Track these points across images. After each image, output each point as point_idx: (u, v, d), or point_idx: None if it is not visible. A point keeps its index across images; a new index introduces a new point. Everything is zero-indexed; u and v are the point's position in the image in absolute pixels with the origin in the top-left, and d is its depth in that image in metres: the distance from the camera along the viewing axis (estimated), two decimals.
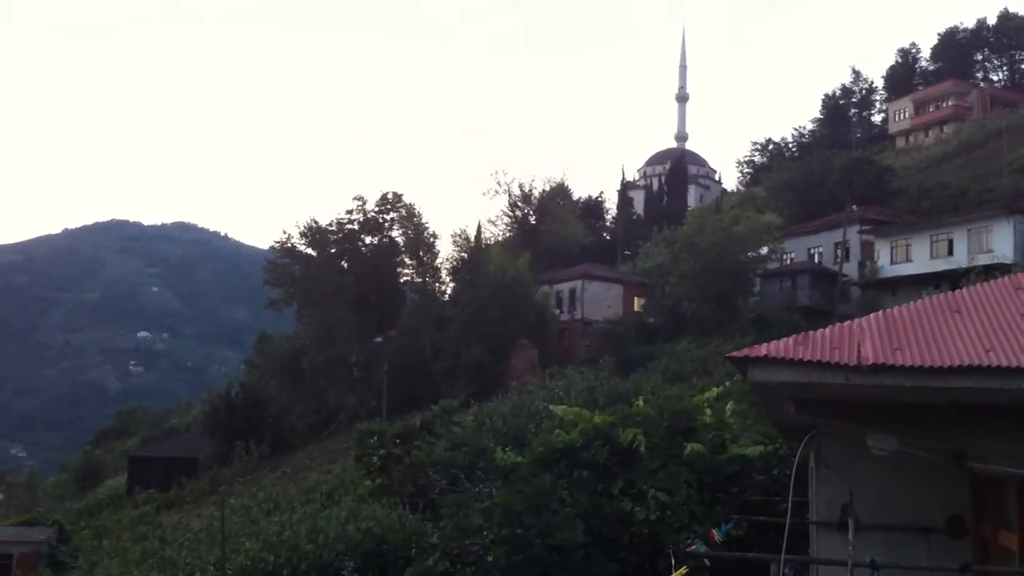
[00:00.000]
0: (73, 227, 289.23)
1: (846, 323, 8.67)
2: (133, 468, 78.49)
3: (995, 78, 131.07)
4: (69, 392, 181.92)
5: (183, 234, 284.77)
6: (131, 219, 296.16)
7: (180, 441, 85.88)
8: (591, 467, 20.77)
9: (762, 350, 8.19)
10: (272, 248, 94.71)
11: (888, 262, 64.62)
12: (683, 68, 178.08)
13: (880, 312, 8.88)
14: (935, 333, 8.24)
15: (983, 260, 56.59)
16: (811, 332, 8.49)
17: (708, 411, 22.90)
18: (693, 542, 15.58)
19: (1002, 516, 9.51)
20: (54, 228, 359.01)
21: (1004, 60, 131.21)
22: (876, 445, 8.95)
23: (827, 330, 8.49)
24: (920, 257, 62.33)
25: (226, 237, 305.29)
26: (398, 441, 27.41)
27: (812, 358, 7.91)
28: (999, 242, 57.48)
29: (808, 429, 10.04)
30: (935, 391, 7.67)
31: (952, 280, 57.33)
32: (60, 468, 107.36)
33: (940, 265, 60.06)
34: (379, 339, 78.30)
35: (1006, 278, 9.87)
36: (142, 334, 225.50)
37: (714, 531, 15.63)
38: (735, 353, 8.27)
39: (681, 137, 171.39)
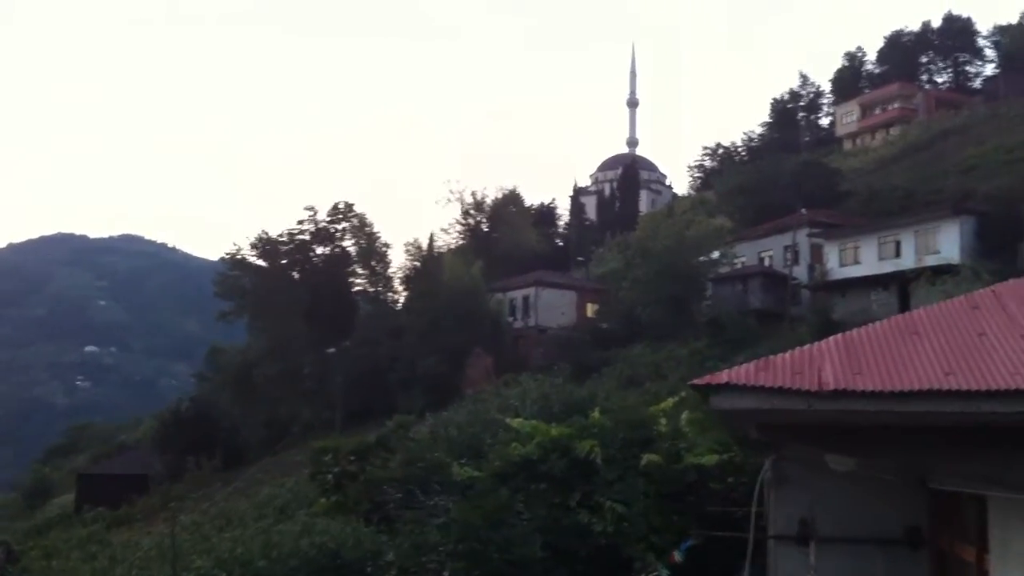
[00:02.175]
0: (18, 242, 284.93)
1: (806, 347, 8.64)
2: (82, 485, 77.22)
3: (940, 80, 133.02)
4: (16, 409, 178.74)
5: (130, 246, 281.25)
6: (77, 232, 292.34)
7: (130, 457, 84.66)
8: (549, 480, 20.66)
9: (723, 377, 8.13)
10: (223, 260, 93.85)
11: (837, 264, 65.21)
12: (633, 74, 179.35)
13: (840, 335, 8.86)
14: (894, 356, 8.22)
15: (931, 261, 57.29)
16: (772, 357, 8.44)
17: (664, 421, 22.88)
18: (655, 568, 15.53)
19: (960, 529, 9.52)
20: None
21: (948, 62, 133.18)
22: (835, 464, 8.94)
23: (788, 354, 8.45)
24: (869, 259, 62.95)
25: (175, 249, 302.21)
26: (353, 458, 27.12)
27: (774, 384, 7.87)
28: (946, 243, 58.20)
29: (768, 444, 10.00)
30: (895, 415, 7.66)
31: (900, 281, 58.09)
32: (8, 486, 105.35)
33: (888, 267, 60.68)
34: (332, 350, 77.73)
35: (962, 297, 9.89)
36: (90, 349, 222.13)
37: (675, 552, 15.61)
38: (697, 381, 8.21)
39: (632, 143, 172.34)
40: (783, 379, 7.91)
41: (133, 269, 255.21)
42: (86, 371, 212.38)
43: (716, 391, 8.12)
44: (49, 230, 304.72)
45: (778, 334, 58.09)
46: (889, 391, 7.61)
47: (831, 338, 8.82)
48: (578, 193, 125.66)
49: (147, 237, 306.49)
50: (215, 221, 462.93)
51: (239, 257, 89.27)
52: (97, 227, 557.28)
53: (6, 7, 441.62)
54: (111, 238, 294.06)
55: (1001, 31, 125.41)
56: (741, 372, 8.16)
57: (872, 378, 7.80)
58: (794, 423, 8.23)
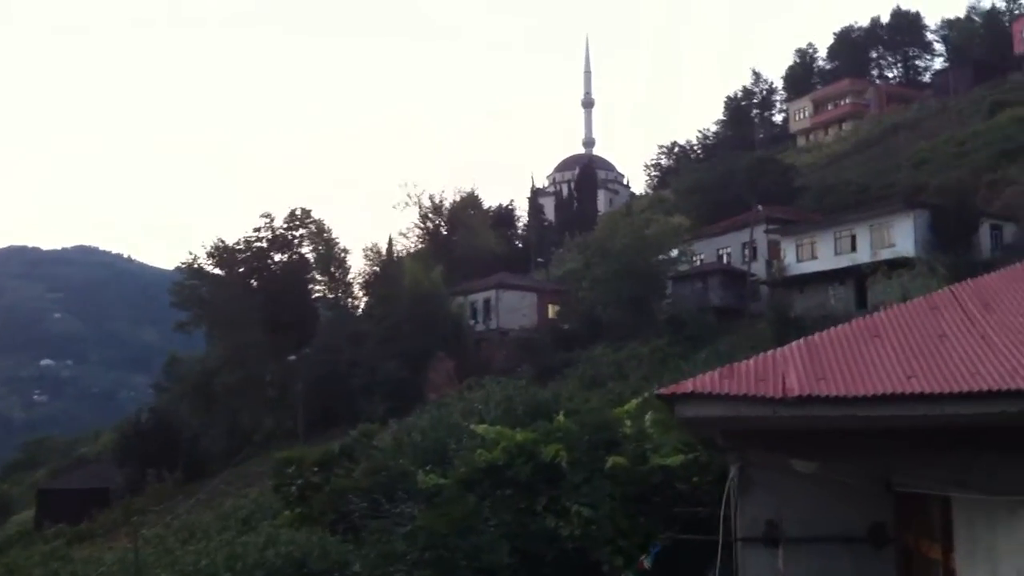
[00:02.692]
0: None
1: (769, 352, 8.68)
2: (42, 501, 76.12)
3: (890, 75, 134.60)
4: None
5: (85, 257, 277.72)
6: (29, 244, 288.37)
7: (90, 471, 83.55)
8: (514, 485, 20.63)
9: (688, 386, 8.15)
10: (179, 269, 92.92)
11: (795, 260, 65.78)
12: (587, 74, 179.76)
13: (802, 340, 8.91)
14: (857, 360, 8.28)
15: (886, 255, 57.93)
16: (736, 364, 8.48)
17: (628, 423, 22.93)
18: (623, 573, 15.57)
19: (925, 527, 9.61)
20: None
21: (898, 57, 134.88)
22: (800, 468, 8.99)
23: (751, 361, 8.48)
24: (825, 254, 63.54)
25: (130, 259, 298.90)
26: (316, 469, 26.94)
27: (738, 392, 7.90)
28: (900, 237, 58.88)
29: (732, 449, 10.04)
30: (859, 419, 7.71)
31: (857, 276, 58.70)
32: None
33: (844, 261, 61.29)
34: (293, 357, 77.25)
35: (921, 298, 9.99)
36: (46, 362, 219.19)
37: (643, 559, 15.65)
38: (662, 390, 8.23)
39: (588, 143, 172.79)
40: (747, 386, 7.94)
41: (88, 280, 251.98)
42: (43, 385, 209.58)
43: (681, 400, 8.14)
44: (0, 243, 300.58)
45: (738, 331, 58.57)
46: (852, 396, 7.67)
47: (794, 343, 8.86)
48: (536, 194, 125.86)
49: (102, 248, 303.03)
50: (171, 231, 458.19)
51: (196, 266, 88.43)
52: (50, 239, 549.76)
53: None
54: (65, 249, 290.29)
55: (949, 25, 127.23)
56: (706, 380, 8.18)
57: (835, 383, 7.85)
58: (759, 429, 8.27)
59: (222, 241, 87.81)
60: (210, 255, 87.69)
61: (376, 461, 26.10)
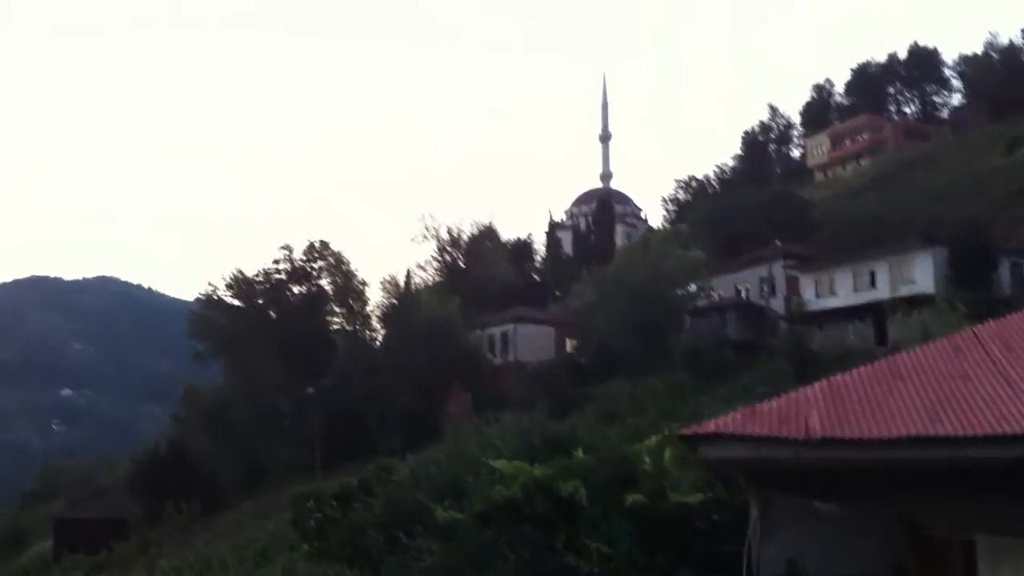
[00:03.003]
0: None
1: (792, 393, 8.70)
2: (59, 531, 76.28)
3: (908, 111, 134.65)
4: None
5: (105, 288, 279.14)
6: (51, 275, 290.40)
7: (107, 501, 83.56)
8: (532, 521, 20.58)
9: (711, 427, 8.18)
10: (197, 300, 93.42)
11: (813, 296, 65.63)
12: (605, 108, 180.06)
13: (825, 381, 8.92)
14: (880, 402, 8.28)
15: (905, 291, 57.80)
16: (758, 405, 8.50)
17: (647, 459, 22.86)
18: None
19: (947, 568, 9.56)
20: None
21: (916, 93, 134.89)
22: (822, 509, 8.97)
23: (774, 402, 8.50)
24: (844, 290, 63.41)
25: (150, 290, 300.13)
26: (334, 503, 26.95)
27: (761, 433, 7.91)
28: (920, 273, 58.75)
29: (754, 490, 10.02)
30: (883, 462, 7.71)
31: (876, 312, 58.48)
32: None
33: (864, 297, 61.14)
34: (310, 389, 77.33)
35: (944, 340, 10.00)
36: (65, 391, 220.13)
37: None
38: (685, 431, 8.26)
39: (606, 176, 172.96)
40: (770, 427, 7.95)
41: (108, 310, 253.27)
42: (61, 414, 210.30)
43: (704, 441, 8.16)
44: (23, 273, 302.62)
45: (756, 366, 58.36)
46: (876, 438, 7.67)
47: (816, 384, 8.87)
48: (554, 228, 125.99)
49: (123, 278, 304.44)
50: (191, 261, 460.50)
51: (215, 297, 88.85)
52: (72, 269, 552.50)
53: None
54: (86, 280, 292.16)
55: (966, 61, 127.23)
56: (728, 421, 8.20)
57: (859, 425, 7.86)
58: (782, 470, 8.27)
59: (241, 272, 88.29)
60: (229, 286, 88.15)
61: (394, 495, 26.09)
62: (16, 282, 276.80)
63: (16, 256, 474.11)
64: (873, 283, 61.68)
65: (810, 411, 8.11)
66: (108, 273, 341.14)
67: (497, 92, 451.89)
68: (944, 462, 7.66)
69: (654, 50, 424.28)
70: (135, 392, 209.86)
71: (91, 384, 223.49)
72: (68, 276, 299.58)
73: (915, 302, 54.41)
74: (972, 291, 51.94)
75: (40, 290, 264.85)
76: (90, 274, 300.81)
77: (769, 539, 10.06)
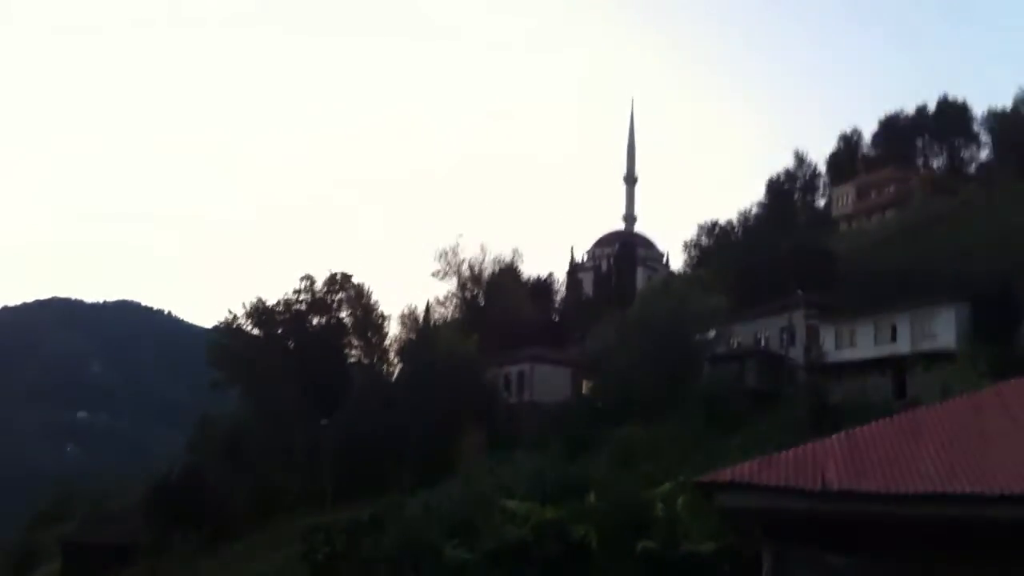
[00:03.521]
0: (13, 304, 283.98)
1: (809, 444, 8.61)
2: (68, 555, 76.21)
3: (935, 164, 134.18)
4: (4, 473, 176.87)
5: (125, 312, 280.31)
6: (72, 296, 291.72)
7: (117, 526, 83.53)
8: (542, 564, 20.47)
9: (727, 475, 8.08)
10: (216, 328, 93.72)
11: (833, 347, 65.24)
12: (631, 150, 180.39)
13: (843, 433, 8.83)
14: (898, 457, 8.18)
15: (926, 346, 57.41)
16: (775, 455, 8.41)
17: (660, 506, 22.73)
18: None
19: None
20: None
21: (943, 146, 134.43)
22: (836, 563, 8.84)
23: (791, 452, 8.42)
24: (864, 343, 63.01)
25: (170, 315, 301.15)
26: (345, 536, 26.84)
27: (777, 483, 7.82)
28: (942, 328, 58.36)
29: (768, 541, 9.89)
30: (899, 517, 7.61)
31: (896, 367, 58.09)
32: None
33: (884, 351, 60.75)
34: (325, 421, 77.28)
35: (965, 397, 9.89)
36: (81, 414, 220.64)
37: None
38: (702, 479, 8.17)
39: (629, 219, 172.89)
40: (787, 478, 7.86)
41: (127, 334, 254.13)
42: (77, 436, 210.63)
43: (720, 489, 8.07)
44: (45, 294, 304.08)
45: (774, 416, 57.97)
46: (893, 493, 7.57)
47: (834, 436, 8.78)
48: (575, 268, 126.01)
49: (144, 303, 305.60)
50: (212, 288, 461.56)
51: (235, 326, 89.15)
52: (93, 292, 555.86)
53: None
54: (106, 303, 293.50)
55: (995, 116, 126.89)
56: (745, 470, 8.10)
57: (876, 479, 7.76)
58: (797, 521, 8.16)
59: (262, 302, 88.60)
60: (249, 315, 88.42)
61: (404, 531, 26.00)
62: (38, 302, 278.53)
63: (38, 277, 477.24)
64: (894, 337, 61.30)
65: (827, 462, 8.02)
66: (129, 297, 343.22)
67: (524, 124, 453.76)
68: (960, 520, 7.55)
69: (680, 91, 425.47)
70: (151, 417, 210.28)
71: (108, 407, 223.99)
72: (89, 299, 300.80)
73: (936, 357, 54.06)
74: (995, 348, 51.52)
75: (61, 311, 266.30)
76: (111, 297, 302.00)
77: None
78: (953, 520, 7.57)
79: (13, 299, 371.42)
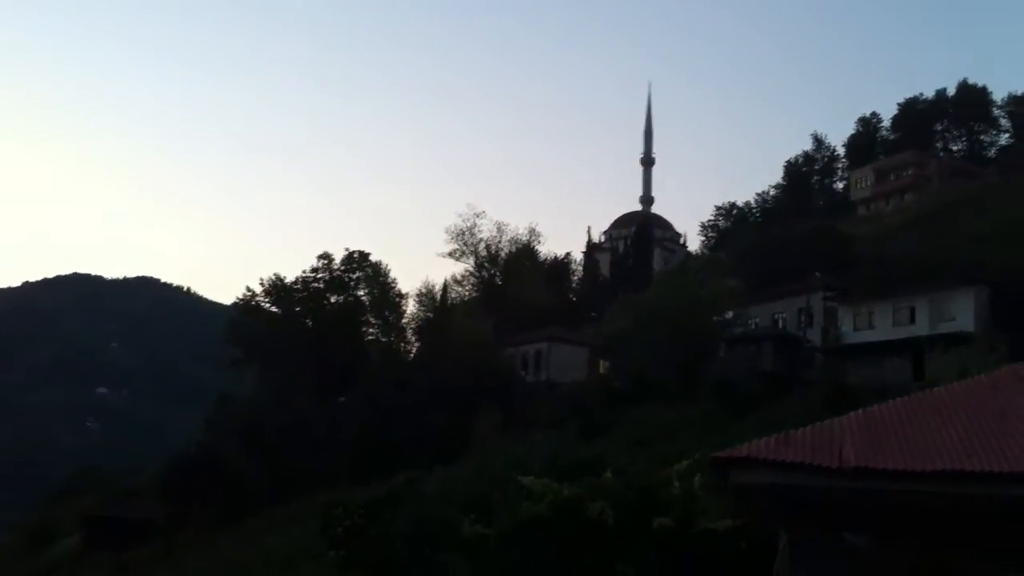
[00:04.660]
0: (33, 280, 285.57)
1: (827, 422, 8.67)
2: (89, 529, 76.97)
3: (954, 148, 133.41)
4: (24, 450, 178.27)
5: (145, 289, 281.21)
6: (92, 272, 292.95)
7: (138, 502, 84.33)
8: (559, 541, 20.55)
9: (744, 451, 8.16)
10: (235, 305, 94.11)
11: (851, 329, 65.03)
12: (648, 132, 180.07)
13: (861, 411, 8.88)
14: (915, 435, 8.24)
15: (944, 329, 57.17)
16: (792, 431, 8.48)
17: (677, 484, 22.75)
18: None
19: None
20: (13, 281, 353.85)
21: (963, 131, 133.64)
22: (852, 540, 8.90)
23: (808, 429, 8.49)
24: (883, 325, 62.78)
25: (189, 292, 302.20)
26: (363, 512, 27.06)
27: (794, 460, 7.89)
28: (960, 312, 58.11)
29: (784, 518, 9.97)
30: (916, 495, 7.67)
31: (914, 349, 57.86)
32: (12, 528, 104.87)
33: (902, 333, 60.48)
34: (342, 399, 77.63)
35: (983, 376, 9.93)
36: (101, 391, 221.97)
37: None
38: (718, 454, 8.25)
39: (647, 200, 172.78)
40: (804, 455, 7.92)
41: (147, 312, 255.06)
42: (96, 413, 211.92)
43: (736, 465, 8.14)
44: (65, 270, 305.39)
45: (789, 398, 57.94)
46: (910, 471, 7.64)
47: (851, 414, 8.83)
48: (592, 249, 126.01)
49: (163, 280, 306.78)
50: (231, 264, 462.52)
51: (253, 303, 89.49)
52: (113, 268, 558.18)
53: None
54: (126, 280, 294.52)
55: (1015, 101, 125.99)
56: (761, 446, 8.17)
57: (893, 457, 7.82)
58: (813, 499, 8.23)
59: (280, 279, 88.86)
60: (267, 292, 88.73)
61: (422, 508, 26.17)
62: (58, 278, 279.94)
63: (57, 253, 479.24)
64: (912, 319, 61.05)
65: (844, 440, 8.09)
66: (149, 273, 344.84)
67: (543, 106, 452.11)
68: (977, 498, 7.61)
69: (698, 74, 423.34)
70: (170, 395, 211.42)
71: (127, 384, 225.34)
72: (109, 275, 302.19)
73: (954, 340, 53.84)
74: (1014, 332, 51.30)
75: (80, 288, 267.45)
76: (131, 274, 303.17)
77: (797, 571, 10.00)
78: (971, 498, 7.63)
79: (34, 275, 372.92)
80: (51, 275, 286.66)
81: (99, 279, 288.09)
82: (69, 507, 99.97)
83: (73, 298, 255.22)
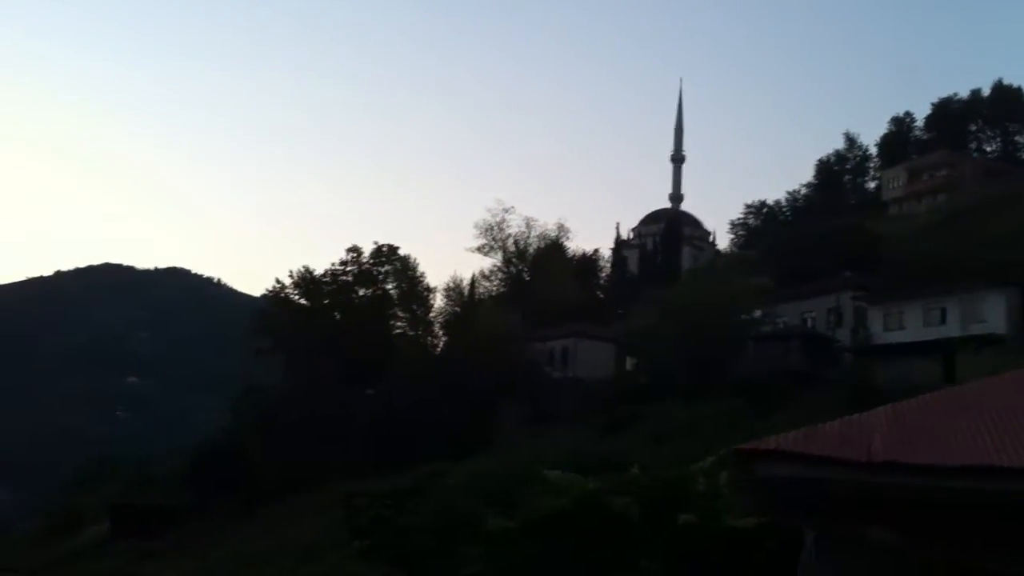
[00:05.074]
0: (65, 270, 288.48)
1: (855, 416, 8.55)
2: (115, 516, 77.63)
3: (988, 149, 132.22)
4: (51, 436, 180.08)
5: (175, 280, 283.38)
6: (124, 263, 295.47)
7: (163, 490, 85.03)
8: (582, 534, 20.49)
9: (771, 443, 8.04)
10: (264, 296, 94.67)
11: (881, 329, 64.65)
12: (679, 129, 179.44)
13: (890, 406, 8.75)
14: (944, 430, 8.10)
15: (976, 330, 56.71)
16: (819, 425, 8.36)
17: (702, 480, 22.64)
18: None
19: None
20: (46, 270, 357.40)
21: (997, 131, 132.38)
22: (879, 537, 8.77)
23: (836, 423, 8.36)
24: (913, 325, 62.37)
25: (219, 283, 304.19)
26: (387, 503, 27.14)
27: (821, 453, 7.77)
28: (992, 313, 57.67)
29: (809, 514, 9.83)
30: (946, 490, 7.53)
31: (945, 350, 57.38)
32: (40, 513, 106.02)
33: (932, 334, 60.06)
34: (368, 391, 77.94)
35: (1014, 372, 9.77)
36: (130, 379, 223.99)
37: None
38: (743, 446, 8.14)
39: (676, 198, 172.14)
40: (831, 448, 7.80)
41: (177, 302, 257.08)
42: (125, 401, 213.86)
43: (762, 458, 8.03)
44: (97, 259, 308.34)
45: (817, 397, 57.60)
46: (940, 465, 7.50)
47: (880, 408, 8.70)
48: (620, 246, 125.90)
49: (193, 271, 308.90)
50: (261, 256, 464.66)
51: (282, 295, 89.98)
52: (144, 259, 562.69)
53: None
54: (157, 270, 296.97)
55: None
56: (788, 439, 8.05)
57: (922, 451, 7.68)
58: (841, 494, 8.12)
59: (309, 272, 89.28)
60: (296, 284, 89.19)
61: (446, 500, 26.21)
62: (90, 268, 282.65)
63: (90, 242, 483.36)
64: (943, 320, 60.63)
65: (873, 434, 7.95)
66: (180, 264, 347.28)
67: (574, 102, 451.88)
68: (1008, 495, 7.47)
69: (730, 72, 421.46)
70: (198, 385, 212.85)
71: (155, 373, 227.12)
72: (140, 265, 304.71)
73: (985, 342, 53.39)
74: None
75: (111, 278, 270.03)
76: (162, 264, 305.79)
77: (823, 570, 9.87)
78: (1002, 494, 7.49)
79: (66, 264, 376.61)
80: (83, 264, 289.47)
81: (130, 269, 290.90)
82: (93, 494, 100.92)
83: (104, 288, 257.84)
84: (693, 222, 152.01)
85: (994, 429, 7.90)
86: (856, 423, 8.23)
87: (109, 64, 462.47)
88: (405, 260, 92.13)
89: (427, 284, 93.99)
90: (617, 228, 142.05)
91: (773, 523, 18.77)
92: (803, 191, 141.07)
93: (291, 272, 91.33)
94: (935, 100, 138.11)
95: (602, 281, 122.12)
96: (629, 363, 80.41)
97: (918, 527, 8.03)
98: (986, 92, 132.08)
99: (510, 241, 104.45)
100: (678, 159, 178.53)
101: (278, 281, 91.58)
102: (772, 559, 17.98)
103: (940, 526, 8.04)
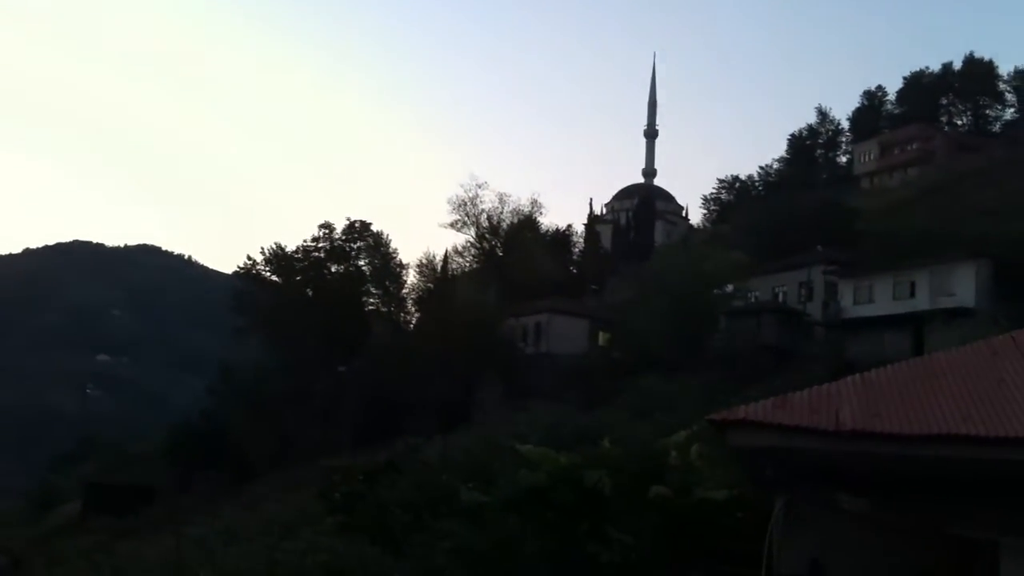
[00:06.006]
0: (34, 247, 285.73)
1: (824, 385, 8.67)
2: (90, 495, 77.37)
3: (960, 123, 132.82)
4: (26, 416, 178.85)
5: (147, 257, 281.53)
6: (94, 240, 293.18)
7: (138, 468, 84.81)
8: (557, 509, 20.60)
9: (741, 413, 8.18)
10: (236, 274, 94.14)
11: (851, 303, 65.03)
12: (652, 104, 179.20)
13: (859, 375, 8.88)
14: (912, 399, 8.25)
15: (945, 303, 57.12)
16: (789, 394, 8.49)
17: (675, 453, 22.80)
18: None
19: (972, 572, 9.49)
20: (15, 248, 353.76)
21: (968, 105, 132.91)
22: (848, 504, 8.92)
23: (805, 392, 8.50)
24: (883, 299, 62.76)
25: (191, 261, 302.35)
26: (362, 478, 27.15)
27: (791, 422, 7.90)
28: (961, 286, 58.06)
29: (781, 482, 9.99)
30: (912, 458, 7.68)
31: (915, 323, 57.84)
32: (15, 493, 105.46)
33: (902, 307, 60.46)
34: (343, 369, 77.84)
35: (981, 342, 9.92)
36: (102, 357, 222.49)
37: None
38: (714, 416, 8.26)
39: (649, 173, 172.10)
40: (800, 418, 7.93)
41: (149, 280, 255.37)
42: (98, 380, 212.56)
43: (733, 427, 8.15)
44: (66, 237, 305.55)
45: (790, 371, 57.99)
46: (907, 434, 7.64)
47: (849, 378, 8.84)
48: (593, 221, 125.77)
49: (164, 248, 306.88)
50: (234, 233, 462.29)
51: (254, 272, 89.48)
52: (114, 236, 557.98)
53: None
54: (128, 248, 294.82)
55: (1022, 76, 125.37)
56: (758, 409, 8.18)
57: (890, 420, 7.82)
58: (810, 462, 8.25)
59: (281, 248, 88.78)
60: (268, 261, 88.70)
61: (421, 475, 26.24)
62: (59, 246, 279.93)
63: (58, 220, 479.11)
64: (913, 293, 61.02)
65: (842, 404, 8.09)
66: (151, 242, 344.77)
67: (547, 76, 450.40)
68: (974, 462, 7.62)
69: (702, 46, 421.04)
70: (173, 363, 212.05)
71: (129, 352, 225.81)
72: (110, 243, 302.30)
73: (955, 315, 53.80)
74: (1016, 307, 51.21)
75: (81, 256, 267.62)
76: (133, 242, 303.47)
77: (794, 536, 10.02)
78: (967, 462, 7.64)
79: (35, 242, 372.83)
80: (52, 242, 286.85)
81: (100, 247, 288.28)
82: (72, 474, 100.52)
83: (74, 266, 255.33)
84: (666, 197, 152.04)
85: (961, 398, 8.05)
86: (825, 392, 8.36)
87: (84, 38, 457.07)
88: (378, 236, 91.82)
89: (400, 261, 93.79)
90: (590, 203, 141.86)
91: (745, 495, 19.04)
92: (775, 165, 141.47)
93: (263, 249, 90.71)
94: (907, 74, 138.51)
95: (575, 257, 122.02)
96: (602, 338, 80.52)
97: (886, 493, 8.17)
98: (957, 65, 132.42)
99: (483, 217, 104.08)
100: (651, 134, 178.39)
101: (249, 258, 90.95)
102: (745, 529, 18.17)
103: (908, 492, 8.20)
